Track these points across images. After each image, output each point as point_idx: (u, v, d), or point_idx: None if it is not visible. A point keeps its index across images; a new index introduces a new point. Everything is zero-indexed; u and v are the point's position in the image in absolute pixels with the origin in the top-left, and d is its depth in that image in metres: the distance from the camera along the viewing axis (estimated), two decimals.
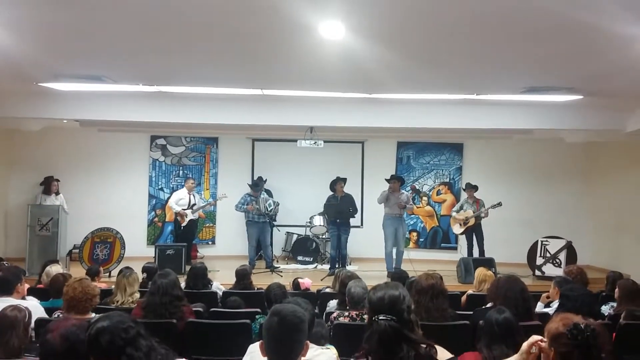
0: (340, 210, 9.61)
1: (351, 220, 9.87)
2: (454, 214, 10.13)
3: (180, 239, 10.06)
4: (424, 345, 2.48)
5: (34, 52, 5.43)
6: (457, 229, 10.04)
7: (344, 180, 9.86)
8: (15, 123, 9.61)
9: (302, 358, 2.45)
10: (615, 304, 5.00)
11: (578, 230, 10.48)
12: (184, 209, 10.11)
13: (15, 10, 4.16)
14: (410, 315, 2.56)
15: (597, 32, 4.35)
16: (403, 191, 9.92)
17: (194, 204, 10.24)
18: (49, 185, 10.40)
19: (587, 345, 2.09)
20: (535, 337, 2.28)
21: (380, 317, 2.47)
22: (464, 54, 5.34)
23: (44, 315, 4.27)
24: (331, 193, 9.80)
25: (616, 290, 5.01)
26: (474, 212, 9.73)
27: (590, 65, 5.58)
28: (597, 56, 5.18)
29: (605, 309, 5.09)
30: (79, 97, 8.07)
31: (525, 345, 2.31)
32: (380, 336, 2.44)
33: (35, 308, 4.13)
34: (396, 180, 9.73)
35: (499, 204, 9.43)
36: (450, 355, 2.60)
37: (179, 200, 10.23)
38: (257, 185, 10.25)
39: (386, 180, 9.72)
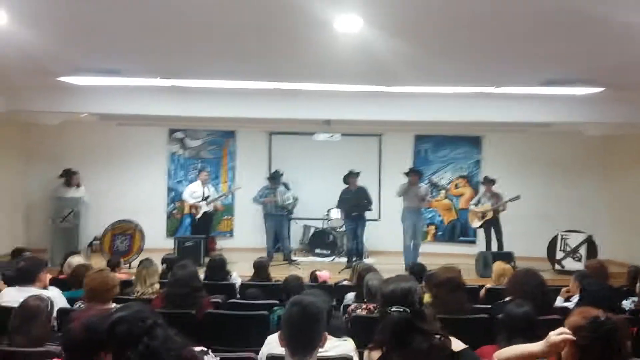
0: (355, 203, 9.62)
1: (369, 213, 9.87)
2: (472, 207, 10.07)
3: (196, 231, 10.14)
4: (437, 336, 2.48)
5: (54, 46, 5.48)
6: (475, 222, 9.99)
7: (357, 174, 9.85)
8: (32, 117, 9.66)
9: (320, 349, 2.47)
10: (636, 299, 4.95)
11: (597, 224, 10.34)
12: (198, 202, 10.18)
13: (34, 4, 4.21)
14: (422, 306, 2.57)
15: (617, 24, 4.28)
16: (421, 184, 9.87)
17: (208, 196, 10.29)
18: (69, 178, 10.48)
19: (607, 339, 2.07)
20: (566, 334, 2.14)
21: (393, 309, 2.49)
22: (482, 47, 5.29)
23: (66, 305, 4.32)
24: (345, 186, 9.81)
25: (637, 284, 4.95)
26: (492, 206, 9.66)
27: (611, 57, 5.51)
28: (619, 48, 5.10)
29: (627, 304, 5.03)
30: (97, 91, 8.13)
31: (556, 337, 2.15)
32: (394, 327, 2.45)
33: (57, 298, 4.20)
34: (415, 174, 9.69)
35: (518, 197, 9.35)
36: (464, 346, 2.59)
37: (192, 192, 10.29)
38: (275, 178, 10.28)
39: (405, 173, 9.67)
